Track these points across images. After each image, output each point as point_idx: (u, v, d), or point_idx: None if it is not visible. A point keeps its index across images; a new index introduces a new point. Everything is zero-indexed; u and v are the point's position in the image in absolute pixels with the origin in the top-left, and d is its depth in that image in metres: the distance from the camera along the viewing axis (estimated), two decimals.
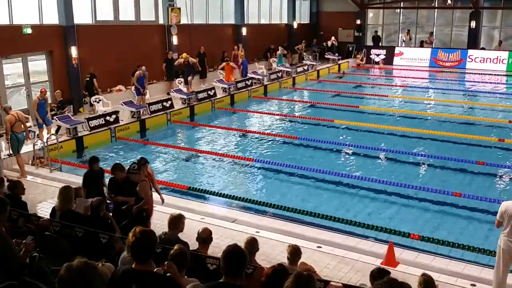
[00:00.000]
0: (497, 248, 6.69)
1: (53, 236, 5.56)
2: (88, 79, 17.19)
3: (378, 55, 30.26)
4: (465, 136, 14.77)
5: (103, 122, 15.05)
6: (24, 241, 4.65)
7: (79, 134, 14.33)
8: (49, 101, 14.93)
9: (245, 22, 26.46)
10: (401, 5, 32.03)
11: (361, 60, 30.13)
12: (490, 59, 28.08)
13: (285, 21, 31.01)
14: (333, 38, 30.73)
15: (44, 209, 9.15)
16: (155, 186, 8.66)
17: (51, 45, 16.81)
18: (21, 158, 11.60)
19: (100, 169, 8.78)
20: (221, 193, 10.75)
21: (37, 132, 13.94)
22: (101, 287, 2.99)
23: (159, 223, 7.95)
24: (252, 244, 5.33)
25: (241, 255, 3.81)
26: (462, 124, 16.80)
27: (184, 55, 19.86)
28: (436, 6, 31.39)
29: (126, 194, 7.62)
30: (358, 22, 32.13)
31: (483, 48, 29.22)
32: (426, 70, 28.76)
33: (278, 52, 26.30)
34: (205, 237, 5.80)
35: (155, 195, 8.62)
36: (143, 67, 17.40)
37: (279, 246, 7.80)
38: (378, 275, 5.03)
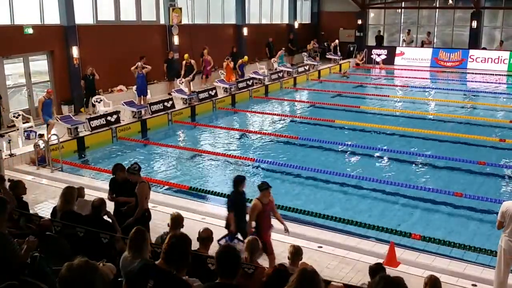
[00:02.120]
0: (498, 248, 6.68)
1: (54, 236, 5.57)
2: (91, 78, 17.15)
3: (379, 55, 30.23)
4: (466, 136, 14.76)
5: (104, 122, 15.06)
6: (26, 240, 4.67)
7: (80, 134, 14.34)
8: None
9: (246, 22, 26.45)
10: (402, 5, 32.01)
11: (361, 60, 30.09)
12: (491, 59, 28.05)
13: (286, 21, 30.99)
14: (337, 41, 30.59)
15: (45, 209, 9.16)
16: (276, 214, 7.52)
17: (52, 45, 16.83)
18: None
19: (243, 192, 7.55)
20: (222, 193, 10.73)
21: (38, 132, 13.99)
22: (102, 286, 2.99)
23: (159, 223, 7.95)
24: (253, 244, 5.34)
25: (234, 255, 3.81)
26: (463, 124, 16.78)
27: (186, 56, 19.90)
28: (437, 6, 31.36)
29: (127, 194, 7.60)
30: (359, 22, 32.09)
31: (484, 48, 29.19)
32: (427, 70, 28.74)
33: (279, 53, 26.27)
34: (205, 237, 5.81)
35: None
36: (138, 63, 17.34)
37: (280, 246, 7.79)
38: (374, 271, 5.17)
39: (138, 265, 4.11)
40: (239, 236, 7.17)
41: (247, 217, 7.13)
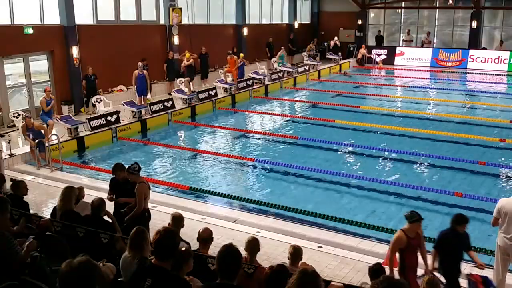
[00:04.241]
0: (495, 247, 6.71)
1: (54, 236, 5.56)
2: (92, 78, 17.20)
3: (379, 55, 30.23)
4: (466, 136, 14.76)
5: (104, 122, 15.06)
6: (26, 242, 4.67)
7: (80, 134, 14.34)
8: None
9: (246, 22, 26.46)
10: (402, 5, 32.01)
11: (364, 50, 29.97)
12: (491, 59, 28.06)
13: (286, 21, 31.00)
14: (336, 38, 30.74)
15: (45, 209, 9.16)
16: (423, 250, 6.36)
17: (52, 45, 16.83)
18: None
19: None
20: (222, 193, 10.76)
21: None
22: (101, 284, 3.00)
23: (159, 223, 7.94)
24: (253, 244, 5.33)
25: (235, 256, 3.81)
26: (463, 124, 16.78)
27: (187, 55, 19.89)
28: (437, 6, 31.38)
29: (127, 194, 7.58)
30: (359, 22, 32.10)
31: (484, 48, 29.20)
32: (427, 70, 28.74)
33: (280, 53, 26.27)
34: (205, 237, 5.80)
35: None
36: (139, 63, 17.39)
37: (280, 246, 7.80)
38: (375, 271, 5.16)
39: (136, 264, 4.14)
40: (437, 274, 6.18)
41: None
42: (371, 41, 32.12)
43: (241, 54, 22.98)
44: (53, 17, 16.85)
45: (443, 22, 31.38)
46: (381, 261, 7.41)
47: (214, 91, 19.64)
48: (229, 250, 3.83)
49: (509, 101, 20.73)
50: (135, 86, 17.52)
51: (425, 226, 9.27)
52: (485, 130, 15.89)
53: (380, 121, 16.91)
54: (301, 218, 9.52)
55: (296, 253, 5.54)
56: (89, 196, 7.79)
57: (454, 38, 30.94)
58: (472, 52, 28.65)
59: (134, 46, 19.43)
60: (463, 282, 6.28)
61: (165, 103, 17.42)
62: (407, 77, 26.90)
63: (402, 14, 32.31)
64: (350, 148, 14.31)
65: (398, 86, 25.69)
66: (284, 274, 4.31)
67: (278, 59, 26.03)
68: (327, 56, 30.04)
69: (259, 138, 15.61)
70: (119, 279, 4.78)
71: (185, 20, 22.05)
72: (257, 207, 10.10)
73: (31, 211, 7.26)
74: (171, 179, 11.89)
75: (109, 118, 15.23)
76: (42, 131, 12.59)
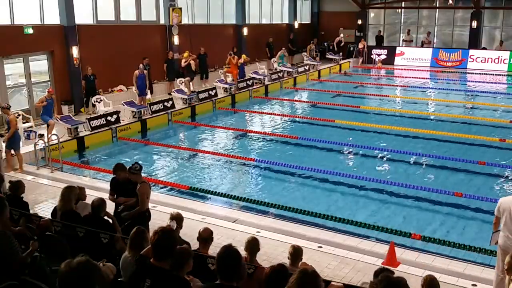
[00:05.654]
0: (497, 247, 6.70)
1: (54, 236, 5.56)
2: (91, 78, 17.21)
3: (379, 55, 30.24)
4: (466, 136, 14.76)
5: (104, 122, 15.06)
6: (31, 242, 4.68)
7: (80, 134, 14.34)
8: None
9: (246, 22, 26.45)
10: (402, 5, 32.01)
11: (363, 45, 30.01)
12: (491, 59, 28.06)
13: (286, 21, 31.00)
14: (341, 35, 30.72)
15: (45, 209, 9.16)
16: None
17: (52, 45, 16.83)
18: None
19: None
20: (222, 193, 10.76)
21: (38, 132, 13.98)
22: (101, 284, 2.99)
23: (159, 223, 7.94)
24: (253, 244, 5.33)
25: (233, 257, 3.79)
26: (463, 124, 16.79)
27: (186, 54, 19.89)
28: (437, 6, 31.38)
29: (128, 194, 7.58)
30: (359, 22, 32.11)
31: (484, 48, 29.20)
32: (427, 70, 28.75)
33: (280, 53, 26.27)
34: (206, 237, 5.80)
35: None
36: (141, 65, 17.47)
37: (280, 246, 7.80)
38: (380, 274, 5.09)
39: (134, 263, 4.14)
40: None
41: None
42: (371, 41, 32.11)
43: (243, 56, 22.94)
44: (53, 17, 16.84)
45: (443, 22, 31.39)
46: (381, 261, 7.44)
47: (214, 91, 19.64)
48: (228, 251, 3.83)
49: (509, 101, 20.74)
50: (136, 86, 17.54)
51: (425, 226, 9.33)
52: (485, 130, 15.89)
53: (380, 121, 16.90)
54: (301, 218, 9.51)
55: (296, 253, 5.53)
56: (89, 196, 7.80)
57: (454, 38, 30.94)
58: (472, 52, 28.65)
59: (134, 46, 19.43)
60: None
61: (165, 103, 17.42)
62: (407, 77, 26.91)
63: (402, 14, 32.32)
64: (350, 148, 14.31)
65: (398, 86, 25.70)
66: (284, 274, 4.31)
67: (278, 59, 26.01)
68: (327, 56, 30.05)
69: (259, 138, 15.60)
70: (119, 279, 4.78)
71: (185, 20, 22.06)
72: (257, 207, 10.10)
73: (31, 211, 7.26)
74: (171, 179, 11.89)
75: (109, 118, 15.23)
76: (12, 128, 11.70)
